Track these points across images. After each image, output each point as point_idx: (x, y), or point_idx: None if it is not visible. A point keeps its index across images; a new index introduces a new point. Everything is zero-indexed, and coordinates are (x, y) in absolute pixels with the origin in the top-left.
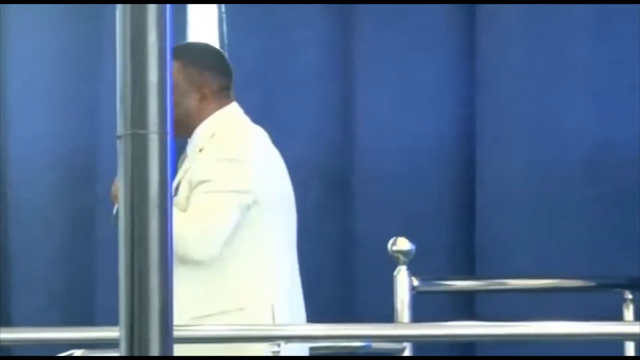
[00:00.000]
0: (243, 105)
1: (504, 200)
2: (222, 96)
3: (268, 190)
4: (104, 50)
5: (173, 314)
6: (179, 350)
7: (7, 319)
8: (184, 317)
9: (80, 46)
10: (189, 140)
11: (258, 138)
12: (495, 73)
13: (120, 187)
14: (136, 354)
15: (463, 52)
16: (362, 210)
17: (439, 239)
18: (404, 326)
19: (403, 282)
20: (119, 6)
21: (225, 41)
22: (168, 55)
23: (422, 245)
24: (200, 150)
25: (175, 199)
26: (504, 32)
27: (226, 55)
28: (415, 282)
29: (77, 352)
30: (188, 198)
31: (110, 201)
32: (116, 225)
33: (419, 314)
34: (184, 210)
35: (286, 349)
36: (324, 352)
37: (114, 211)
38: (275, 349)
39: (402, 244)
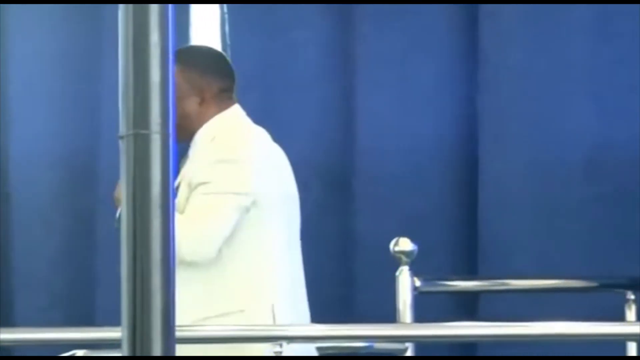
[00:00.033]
0: (243, 105)
1: (505, 200)
2: (223, 99)
3: (268, 191)
4: (104, 50)
5: (175, 314)
6: (181, 350)
7: (8, 319)
8: (184, 320)
9: (81, 46)
10: (191, 144)
11: (258, 139)
12: (496, 73)
13: (122, 187)
14: (138, 354)
15: (464, 52)
16: (363, 210)
17: (440, 239)
18: (406, 326)
19: (405, 282)
20: (121, 6)
21: (228, 41)
22: (170, 56)
23: (424, 246)
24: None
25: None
26: (504, 32)
27: (228, 55)
28: (418, 283)
29: (80, 352)
30: (187, 200)
31: (113, 204)
32: (119, 229)
33: (421, 315)
34: (182, 211)
35: (293, 350)
36: (326, 352)
37: (117, 214)
38: (278, 349)
39: (404, 244)
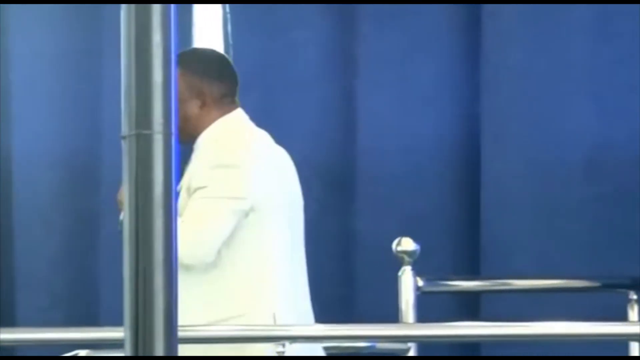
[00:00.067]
0: (244, 105)
1: (507, 200)
2: (225, 103)
3: (267, 195)
4: (105, 49)
5: (178, 314)
6: (183, 350)
7: (10, 319)
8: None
9: (82, 46)
10: (194, 147)
11: (258, 143)
12: (497, 73)
13: (124, 187)
14: (141, 354)
15: (465, 52)
16: (365, 210)
17: (442, 239)
18: (409, 326)
19: (408, 282)
20: (123, 6)
21: (230, 41)
22: (173, 56)
23: (425, 246)
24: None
25: None
26: (505, 32)
27: (231, 56)
28: (420, 283)
29: (82, 352)
30: (186, 204)
31: (116, 206)
32: (122, 231)
33: (424, 315)
34: (181, 216)
35: (300, 350)
36: (328, 352)
37: (120, 217)
38: (280, 349)
39: (407, 244)
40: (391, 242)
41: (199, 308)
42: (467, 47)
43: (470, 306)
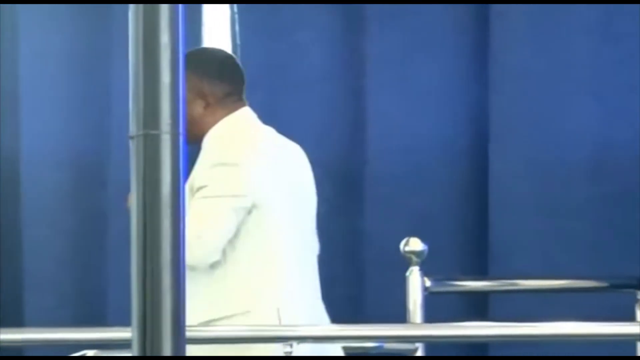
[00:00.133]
0: (252, 105)
1: (515, 200)
2: (229, 102)
3: (270, 192)
4: (114, 50)
5: (185, 314)
6: (191, 350)
7: (18, 319)
8: (188, 323)
9: (91, 46)
10: (202, 147)
11: (261, 140)
12: (505, 73)
13: (132, 187)
14: (148, 354)
15: (473, 53)
16: (373, 210)
17: (450, 240)
18: (417, 327)
19: (415, 282)
20: (131, 6)
21: (238, 42)
22: (181, 56)
23: (433, 246)
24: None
25: None
26: (513, 32)
27: (238, 56)
28: (428, 283)
29: (90, 353)
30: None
31: (126, 208)
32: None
33: (431, 315)
34: None
35: (319, 350)
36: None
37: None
38: (288, 349)
39: (415, 244)
40: (399, 242)
41: (203, 306)
42: (474, 47)
43: (477, 306)
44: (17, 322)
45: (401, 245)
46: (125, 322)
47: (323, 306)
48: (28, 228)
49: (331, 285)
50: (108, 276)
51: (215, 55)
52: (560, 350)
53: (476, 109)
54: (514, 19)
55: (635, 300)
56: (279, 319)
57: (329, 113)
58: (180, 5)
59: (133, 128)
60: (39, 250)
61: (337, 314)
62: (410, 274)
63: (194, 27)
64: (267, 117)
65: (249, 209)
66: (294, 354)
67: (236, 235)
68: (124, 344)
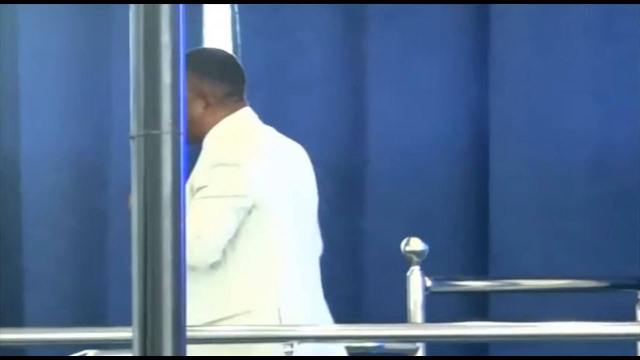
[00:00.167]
0: (253, 105)
1: (515, 200)
2: (231, 102)
3: (270, 192)
4: (115, 50)
5: (186, 314)
6: (191, 350)
7: (18, 319)
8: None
9: (91, 46)
10: (202, 147)
11: (261, 140)
12: (506, 73)
13: (132, 187)
14: (149, 354)
15: (473, 52)
16: (373, 210)
17: (451, 239)
18: (417, 326)
19: (416, 282)
20: (132, 6)
21: (239, 41)
22: (181, 56)
23: (434, 246)
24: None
25: None
26: (514, 32)
27: (239, 56)
28: (428, 283)
29: (91, 352)
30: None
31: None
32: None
33: (432, 315)
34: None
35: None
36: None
37: None
38: (289, 349)
39: (415, 244)
40: (400, 242)
41: (204, 306)
42: (474, 47)
43: (478, 306)
44: (18, 322)
45: (402, 245)
46: (126, 322)
47: (326, 306)
48: (28, 228)
49: (331, 285)
50: (108, 276)
51: (216, 55)
52: (561, 350)
53: (476, 109)
54: (514, 19)
55: (636, 300)
56: (280, 319)
57: (330, 113)
58: (181, 5)
59: (134, 128)
60: (39, 250)
61: (338, 314)
62: (410, 273)
63: (195, 27)
64: (268, 116)
65: (249, 209)
66: (294, 354)
67: (236, 235)
68: (125, 343)
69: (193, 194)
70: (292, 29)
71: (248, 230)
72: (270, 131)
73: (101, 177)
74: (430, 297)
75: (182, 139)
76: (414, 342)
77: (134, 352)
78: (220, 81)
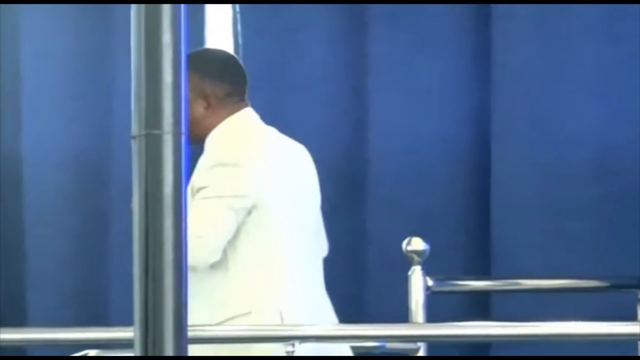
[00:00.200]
0: (255, 105)
1: (517, 200)
2: (232, 102)
3: (271, 193)
4: (116, 50)
5: (188, 314)
6: (193, 350)
7: (20, 319)
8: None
9: (93, 46)
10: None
11: (263, 140)
12: (507, 73)
13: (134, 187)
14: (150, 354)
15: (475, 53)
16: (375, 210)
17: (452, 239)
18: (419, 326)
19: (417, 282)
20: (133, 6)
21: (240, 41)
22: (183, 56)
23: (436, 246)
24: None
25: None
26: (516, 33)
27: (241, 56)
28: (430, 282)
29: (92, 352)
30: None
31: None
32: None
33: (433, 314)
34: None
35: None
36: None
37: None
38: (290, 349)
39: (417, 243)
40: (401, 241)
41: (205, 307)
42: (477, 47)
43: (480, 306)
44: (20, 322)
45: (403, 245)
46: (127, 322)
47: (330, 306)
48: (30, 228)
49: (333, 284)
50: (110, 276)
51: (217, 55)
52: (562, 350)
53: (478, 109)
54: (516, 19)
55: (637, 300)
56: (282, 320)
57: (331, 113)
58: (182, 5)
59: (135, 128)
60: (41, 250)
61: (339, 313)
62: (412, 273)
63: (196, 27)
64: (269, 117)
65: (249, 210)
66: (295, 354)
67: (237, 236)
68: (126, 343)
69: (193, 194)
70: (293, 29)
71: (248, 230)
72: (272, 131)
73: (102, 177)
74: (432, 297)
75: (183, 138)
76: (415, 341)
77: (135, 352)
78: (222, 81)
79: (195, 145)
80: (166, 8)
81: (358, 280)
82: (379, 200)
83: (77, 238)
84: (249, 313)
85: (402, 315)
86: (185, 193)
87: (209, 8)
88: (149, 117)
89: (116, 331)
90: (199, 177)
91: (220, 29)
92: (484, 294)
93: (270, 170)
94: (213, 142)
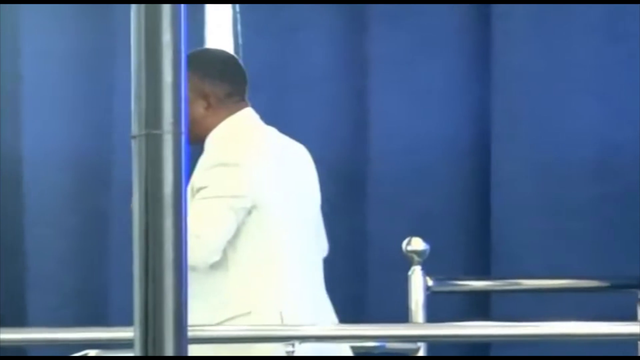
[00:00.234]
0: (255, 105)
1: (517, 200)
2: (232, 102)
3: (271, 193)
4: (117, 50)
5: (188, 314)
6: (193, 350)
7: (20, 318)
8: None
9: (94, 46)
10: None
11: (262, 140)
12: (508, 73)
13: (134, 187)
14: (150, 354)
15: (475, 53)
16: (375, 210)
17: (452, 239)
18: (419, 326)
19: (417, 282)
20: (133, 6)
21: (240, 41)
22: (183, 55)
23: (436, 246)
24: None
25: None
26: (516, 33)
27: (241, 56)
28: (430, 282)
29: (92, 352)
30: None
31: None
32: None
33: (433, 314)
34: None
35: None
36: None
37: None
38: (290, 349)
39: (417, 243)
40: (401, 241)
41: (205, 307)
42: (477, 48)
43: (480, 306)
44: (20, 322)
45: (403, 245)
46: (127, 322)
47: (330, 306)
48: (30, 228)
49: (333, 284)
50: (110, 276)
51: (217, 55)
52: (562, 350)
53: (479, 109)
54: (517, 19)
55: (637, 300)
56: (282, 320)
57: (332, 113)
58: (182, 5)
59: (135, 128)
60: (41, 250)
61: (339, 314)
62: (412, 273)
63: (196, 27)
64: (270, 117)
65: (249, 210)
66: (295, 354)
67: (237, 236)
68: (126, 343)
69: (194, 194)
70: (293, 29)
71: (248, 230)
72: (272, 131)
73: (103, 177)
74: (432, 297)
75: (183, 138)
76: (415, 341)
77: (136, 352)
78: (221, 81)
79: (195, 145)
80: (166, 8)
81: (358, 280)
82: (379, 200)
83: (77, 238)
84: (249, 313)
85: (402, 315)
86: (185, 193)
87: (209, 8)
88: (149, 117)
89: (116, 331)
90: (199, 177)
91: (220, 29)
92: (484, 294)
93: (270, 170)
94: (213, 142)
